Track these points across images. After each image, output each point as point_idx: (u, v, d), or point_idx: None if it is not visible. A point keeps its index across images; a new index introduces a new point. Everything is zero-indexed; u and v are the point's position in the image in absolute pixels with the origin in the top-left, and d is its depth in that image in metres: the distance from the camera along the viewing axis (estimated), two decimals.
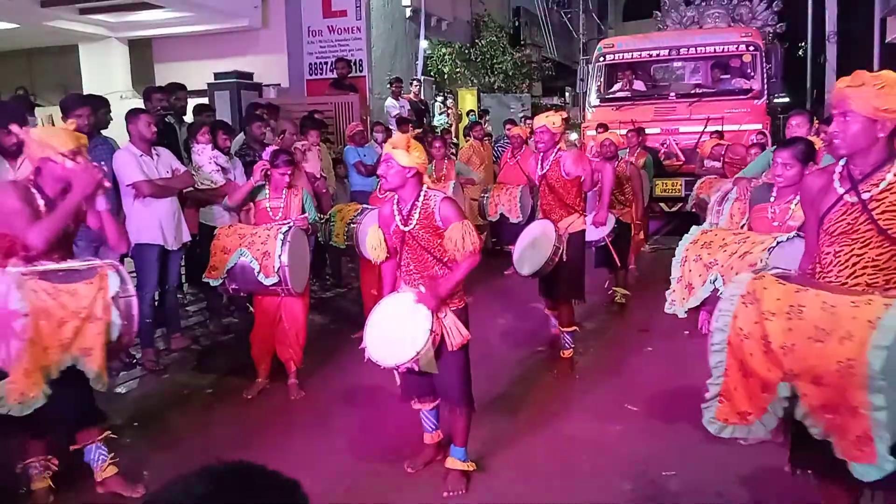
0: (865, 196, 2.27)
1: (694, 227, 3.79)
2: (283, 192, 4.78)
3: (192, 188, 5.51)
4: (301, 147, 6.47)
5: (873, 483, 2.16)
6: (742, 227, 4.02)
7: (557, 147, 5.17)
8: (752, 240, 3.42)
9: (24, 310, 2.97)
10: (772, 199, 3.67)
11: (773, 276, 2.34)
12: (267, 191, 4.79)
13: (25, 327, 2.97)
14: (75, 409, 3.33)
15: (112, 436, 3.56)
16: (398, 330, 3.33)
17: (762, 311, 2.22)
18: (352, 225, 5.85)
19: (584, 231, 5.21)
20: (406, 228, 3.40)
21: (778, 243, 3.27)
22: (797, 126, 4.81)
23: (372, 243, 3.55)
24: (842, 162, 2.37)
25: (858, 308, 2.10)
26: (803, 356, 2.13)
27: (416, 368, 3.31)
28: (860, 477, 2.12)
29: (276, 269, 4.41)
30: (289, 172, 4.74)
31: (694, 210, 8.02)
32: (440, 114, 12.30)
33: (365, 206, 6.05)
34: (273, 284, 4.47)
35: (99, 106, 5.37)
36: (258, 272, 4.43)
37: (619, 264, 6.54)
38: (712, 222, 4.89)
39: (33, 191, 3.28)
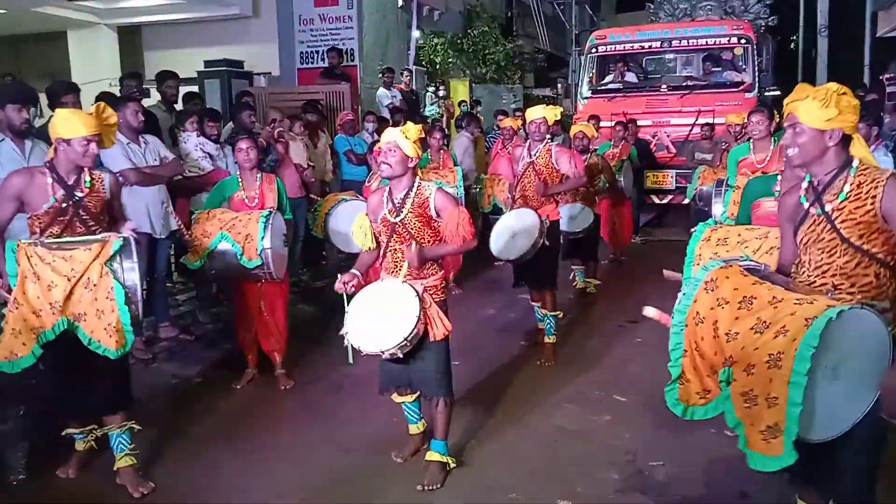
0: (828, 208, 2.35)
1: (700, 224, 3.74)
2: (257, 178, 4.71)
3: (180, 176, 5.47)
4: (282, 129, 6.36)
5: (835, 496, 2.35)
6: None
7: (548, 138, 5.29)
8: (774, 235, 3.23)
9: (13, 273, 3.13)
10: (776, 193, 3.59)
11: (740, 266, 2.43)
12: (240, 181, 4.74)
13: (14, 290, 3.12)
14: (107, 392, 3.44)
15: (135, 426, 3.53)
16: (383, 317, 3.31)
17: (718, 298, 2.33)
18: (328, 216, 5.82)
19: (559, 220, 5.38)
20: (396, 220, 3.40)
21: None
22: (757, 123, 4.76)
23: (356, 230, 3.53)
24: (807, 177, 2.47)
25: (800, 306, 2.18)
26: (742, 345, 2.23)
27: (400, 355, 3.30)
28: (757, 467, 2.23)
29: (258, 252, 4.39)
30: (250, 147, 4.64)
31: (696, 203, 7.68)
32: (431, 104, 12.25)
33: (356, 196, 6.01)
34: (255, 267, 4.45)
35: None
36: (240, 255, 4.41)
37: (591, 256, 6.93)
38: (714, 214, 4.87)
39: (48, 175, 3.34)
